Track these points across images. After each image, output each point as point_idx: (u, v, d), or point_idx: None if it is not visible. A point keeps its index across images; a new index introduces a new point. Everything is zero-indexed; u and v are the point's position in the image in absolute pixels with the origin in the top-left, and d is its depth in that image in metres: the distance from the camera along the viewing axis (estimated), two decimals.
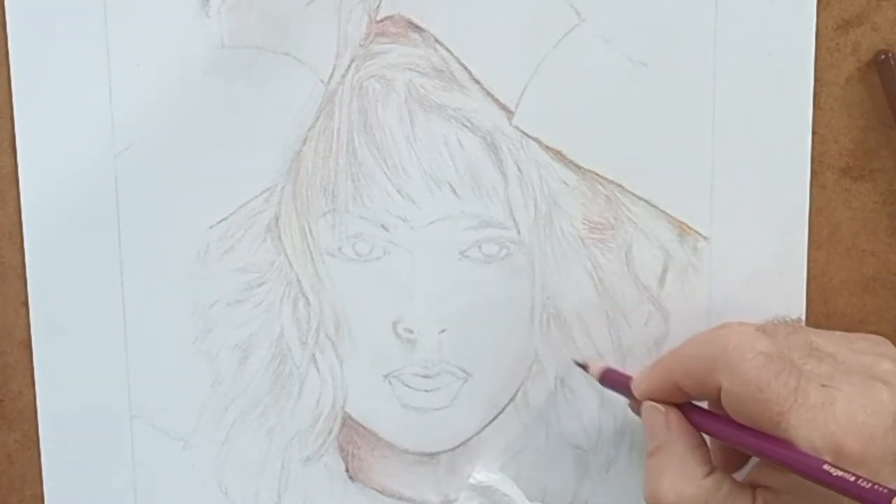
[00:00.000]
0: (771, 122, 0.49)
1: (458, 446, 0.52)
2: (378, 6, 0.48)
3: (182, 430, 0.52)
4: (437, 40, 0.49)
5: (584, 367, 0.50)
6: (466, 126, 0.49)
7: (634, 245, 0.50)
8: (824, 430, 0.40)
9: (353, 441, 0.52)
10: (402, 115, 0.49)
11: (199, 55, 0.49)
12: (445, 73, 0.49)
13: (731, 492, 0.43)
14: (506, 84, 0.49)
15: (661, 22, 0.48)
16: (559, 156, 0.49)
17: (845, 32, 0.48)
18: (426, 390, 0.51)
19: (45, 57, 0.49)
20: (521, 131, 0.49)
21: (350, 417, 0.52)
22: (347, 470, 0.52)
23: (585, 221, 0.50)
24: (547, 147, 0.49)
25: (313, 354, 0.51)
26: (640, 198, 0.49)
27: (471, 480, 0.52)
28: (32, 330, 0.52)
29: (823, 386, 0.41)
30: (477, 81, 0.49)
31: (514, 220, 0.50)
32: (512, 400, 0.51)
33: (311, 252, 0.51)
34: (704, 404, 0.45)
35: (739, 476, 0.45)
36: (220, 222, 0.50)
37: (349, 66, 0.49)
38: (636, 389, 0.46)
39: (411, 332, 0.51)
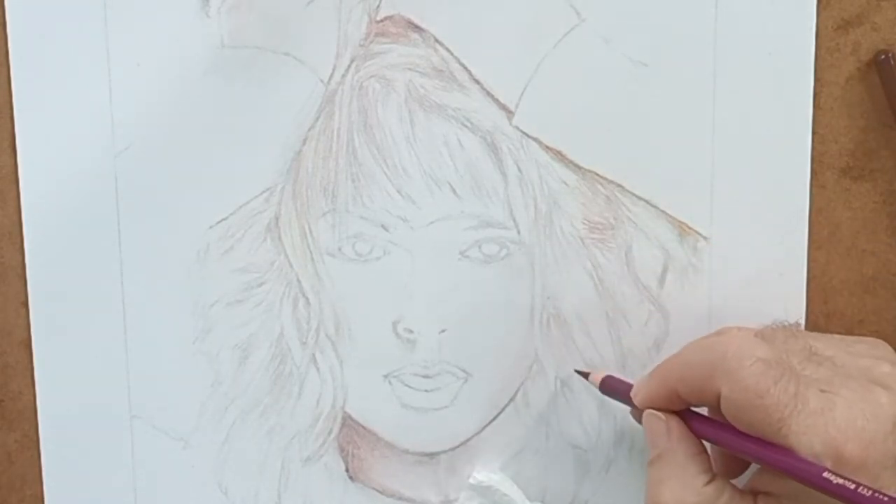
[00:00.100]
0: (771, 122, 0.49)
1: (458, 446, 0.52)
2: (378, 6, 0.48)
3: (182, 430, 0.52)
4: (437, 40, 0.49)
5: (584, 375, 0.50)
6: (466, 126, 0.49)
7: (634, 245, 0.50)
8: (824, 435, 0.40)
9: (353, 441, 0.52)
10: (402, 115, 0.49)
11: (199, 55, 0.49)
12: (445, 73, 0.49)
13: (732, 499, 0.43)
14: (506, 84, 0.49)
15: (661, 22, 0.48)
16: (559, 156, 0.49)
17: (845, 32, 0.48)
18: (426, 390, 0.51)
19: (45, 57, 0.49)
20: (521, 131, 0.49)
21: (350, 417, 0.52)
22: (347, 470, 0.52)
23: (585, 221, 0.50)
24: (547, 147, 0.49)
25: (313, 354, 0.51)
26: (640, 198, 0.49)
27: (471, 480, 0.52)
28: (32, 330, 0.52)
29: (823, 391, 0.41)
30: (477, 81, 0.49)
31: (514, 220, 0.50)
32: (512, 400, 0.51)
33: (311, 252, 0.51)
34: (705, 410, 0.45)
35: (740, 482, 0.45)
36: (220, 222, 0.50)
37: (349, 66, 0.49)
38: (636, 398, 0.46)
39: (411, 332, 0.51)
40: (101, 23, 0.49)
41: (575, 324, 0.50)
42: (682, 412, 0.45)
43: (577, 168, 0.49)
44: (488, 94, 0.49)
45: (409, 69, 0.49)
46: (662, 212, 0.49)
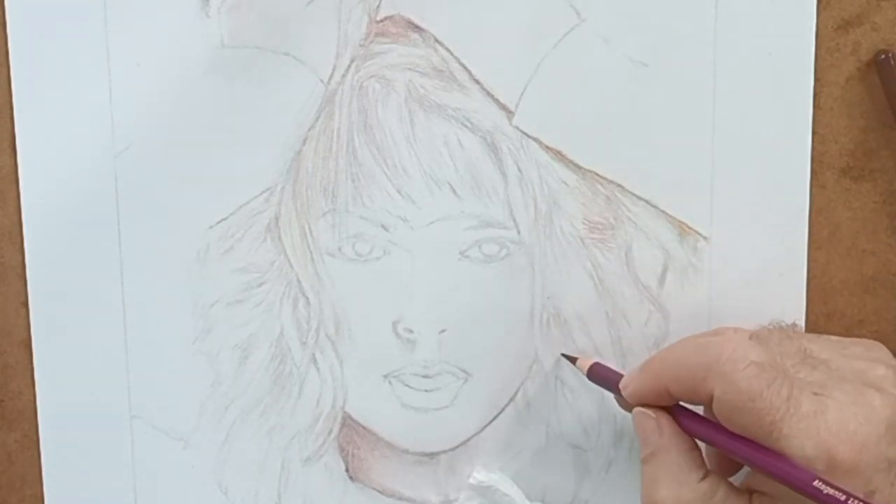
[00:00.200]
0: (771, 122, 0.49)
1: (458, 446, 0.52)
2: (378, 6, 0.48)
3: (182, 430, 0.52)
4: (437, 40, 0.49)
5: (572, 360, 0.49)
6: (466, 126, 0.49)
7: (634, 245, 0.50)
8: (816, 438, 0.40)
9: (353, 441, 0.52)
10: (402, 115, 0.49)
11: (199, 55, 0.49)
12: (445, 73, 0.49)
13: (727, 495, 0.43)
14: (506, 84, 0.49)
15: (661, 22, 0.48)
16: (559, 156, 0.49)
17: (845, 32, 0.48)
18: (426, 390, 0.51)
19: (45, 57, 0.49)
20: (521, 131, 0.49)
21: (350, 417, 0.52)
22: (347, 470, 0.52)
23: (585, 221, 0.50)
24: (547, 147, 0.49)
25: (313, 354, 0.51)
26: (640, 198, 0.49)
27: (471, 480, 0.52)
28: (32, 330, 0.52)
29: (816, 394, 0.41)
30: (477, 81, 0.49)
31: (514, 220, 0.50)
32: (512, 400, 0.51)
33: (311, 252, 0.51)
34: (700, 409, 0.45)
35: (736, 480, 0.45)
36: (220, 222, 0.50)
37: (349, 66, 0.49)
38: (625, 391, 0.46)
39: (411, 332, 0.51)
40: (101, 23, 0.49)
41: (575, 324, 0.50)
42: (673, 408, 0.45)
43: (577, 168, 0.49)
44: (488, 94, 0.49)
45: (409, 69, 0.49)
46: (662, 212, 0.49)
